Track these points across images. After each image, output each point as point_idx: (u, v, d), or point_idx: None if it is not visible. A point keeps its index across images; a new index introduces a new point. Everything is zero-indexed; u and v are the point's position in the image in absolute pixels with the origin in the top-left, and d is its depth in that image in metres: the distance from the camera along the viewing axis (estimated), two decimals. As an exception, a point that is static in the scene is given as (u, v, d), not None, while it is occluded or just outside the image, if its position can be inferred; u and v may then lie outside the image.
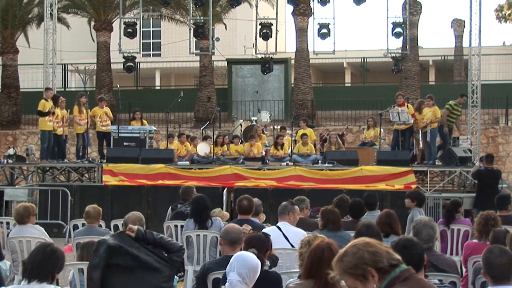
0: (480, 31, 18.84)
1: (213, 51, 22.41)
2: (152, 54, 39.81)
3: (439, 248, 8.70)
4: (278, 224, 7.26)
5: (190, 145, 17.61)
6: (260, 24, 20.25)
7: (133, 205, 13.97)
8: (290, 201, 7.58)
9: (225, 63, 29.22)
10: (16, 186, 16.78)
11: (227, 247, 5.73)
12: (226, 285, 4.81)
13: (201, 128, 20.35)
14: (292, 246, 6.86)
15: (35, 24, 27.53)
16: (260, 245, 5.34)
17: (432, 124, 15.83)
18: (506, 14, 41.12)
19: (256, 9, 21.51)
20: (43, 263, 4.66)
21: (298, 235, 6.85)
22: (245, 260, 4.80)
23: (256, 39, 20.57)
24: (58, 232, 14.29)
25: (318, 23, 20.32)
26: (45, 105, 16.50)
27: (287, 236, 7.02)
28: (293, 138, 17.51)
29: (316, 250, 4.30)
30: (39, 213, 14.49)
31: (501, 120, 24.74)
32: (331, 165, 15.71)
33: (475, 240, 7.15)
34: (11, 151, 19.11)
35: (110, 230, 8.87)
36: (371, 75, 32.22)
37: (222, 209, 12.24)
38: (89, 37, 28.57)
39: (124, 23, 19.95)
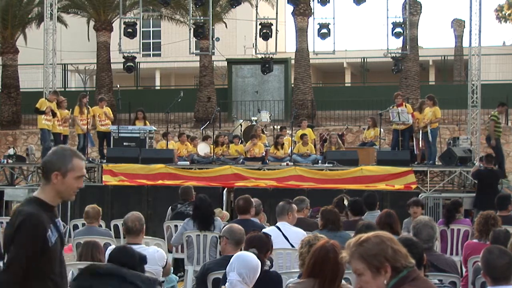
0: (480, 31, 18.83)
1: (213, 51, 22.42)
2: (152, 54, 39.82)
3: (439, 248, 8.70)
4: (277, 224, 7.26)
5: (190, 145, 17.61)
6: (260, 24, 20.25)
7: (133, 205, 13.96)
8: (287, 200, 7.58)
9: (225, 63, 29.22)
10: (16, 186, 16.78)
11: (231, 247, 5.74)
12: (226, 285, 4.81)
13: (201, 128, 20.35)
14: (292, 246, 6.86)
15: (35, 24, 27.54)
16: (261, 245, 5.35)
17: (432, 124, 15.82)
18: (506, 14, 41.11)
19: (256, 9, 21.52)
20: None
21: (298, 234, 6.85)
22: (245, 260, 4.81)
23: (256, 39, 20.57)
24: (58, 232, 14.27)
25: (318, 23, 20.32)
26: (43, 103, 16.46)
27: (287, 236, 7.02)
28: (293, 138, 17.51)
29: (320, 250, 4.29)
30: (39, 213, 14.47)
31: (501, 120, 24.72)
32: (331, 165, 15.70)
33: (475, 240, 7.15)
34: (11, 151, 19.10)
35: (110, 230, 8.88)
36: (371, 75, 32.21)
37: (222, 209, 12.26)
38: (89, 37, 28.56)
39: (124, 23, 19.95)
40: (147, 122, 17.82)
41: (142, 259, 4.90)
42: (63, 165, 3.76)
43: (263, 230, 6.85)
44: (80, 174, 3.82)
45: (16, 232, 3.65)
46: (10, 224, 3.76)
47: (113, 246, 6.68)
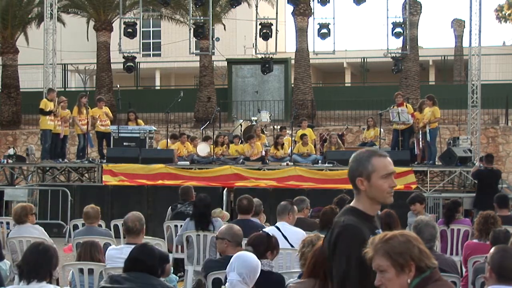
0: (480, 31, 18.85)
1: (213, 51, 22.42)
2: (152, 54, 39.81)
3: (439, 248, 8.70)
4: (276, 224, 7.25)
5: (190, 145, 17.60)
6: (260, 24, 20.25)
7: (133, 205, 13.95)
8: (289, 201, 7.59)
9: (225, 63, 29.21)
10: (16, 186, 16.77)
11: (232, 249, 5.74)
12: (226, 285, 4.81)
13: (201, 128, 20.34)
14: (292, 246, 6.86)
15: (35, 24, 27.54)
16: (257, 243, 5.35)
17: (431, 124, 15.82)
18: (506, 14, 41.10)
19: (256, 9, 21.52)
20: (38, 263, 4.64)
21: (297, 235, 6.85)
22: (246, 260, 4.79)
23: (256, 39, 20.57)
24: (58, 232, 14.28)
25: (318, 23, 20.33)
26: (47, 104, 16.57)
27: (286, 236, 7.02)
28: (293, 138, 17.51)
29: (321, 250, 4.29)
30: (39, 213, 14.50)
31: (501, 120, 24.74)
32: (331, 165, 15.70)
33: (475, 240, 7.15)
34: (11, 151, 19.09)
35: (110, 230, 8.87)
36: (371, 75, 32.21)
37: (222, 209, 12.26)
38: (89, 37, 28.57)
39: (124, 23, 19.95)
40: (140, 121, 17.76)
41: (164, 259, 4.84)
42: (363, 169, 3.53)
43: (264, 230, 6.85)
44: (385, 172, 3.56)
45: (335, 246, 3.38)
46: (328, 236, 3.50)
47: (113, 246, 6.69)
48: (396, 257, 3.06)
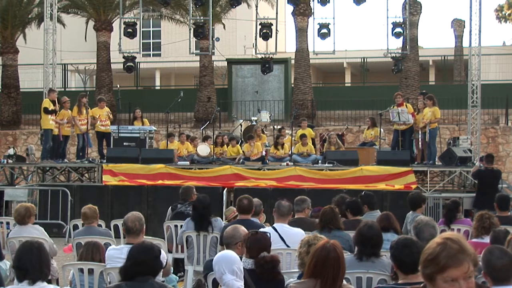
0: (480, 31, 18.85)
1: (213, 51, 22.42)
2: (152, 54, 39.81)
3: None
4: (274, 225, 7.25)
5: (191, 145, 17.61)
6: (260, 24, 20.25)
7: (133, 205, 13.97)
8: (289, 201, 7.61)
9: (225, 63, 29.22)
10: (16, 186, 16.77)
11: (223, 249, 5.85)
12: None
13: (201, 128, 20.35)
14: (288, 246, 6.88)
15: (35, 24, 27.55)
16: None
17: (431, 124, 15.82)
18: (506, 14, 41.12)
19: (256, 9, 21.51)
20: (36, 265, 4.63)
21: (297, 235, 6.84)
22: (227, 258, 5.09)
23: (256, 39, 20.57)
24: (58, 232, 14.28)
25: (318, 23, 20.32)
26: (51, 103, 16.65)
27: (283, 237, 7.01)
28: (293, 138, 17.52)
29: (321, 251, 4.28)
30: (39, 213, 14.52)
31: (501, 120, 24.74)
32: (331, 165, 15.70)
33: (474, 240, 7.14)
34: (11, 151, 19.10)
35: (110, 230, 8.87)
36: (371, 75, 32.21)
37: (222, 210, 12.25)
38: (89, 37, 28.56)
39: (124, 23, 19.95)
40: (145, 120, 17.83)
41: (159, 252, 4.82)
42: None
43: (261, 230, 6.85)
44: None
45: None
46: None
47: (113, 246, 6.69)
48: (477, 260, 2.95)
